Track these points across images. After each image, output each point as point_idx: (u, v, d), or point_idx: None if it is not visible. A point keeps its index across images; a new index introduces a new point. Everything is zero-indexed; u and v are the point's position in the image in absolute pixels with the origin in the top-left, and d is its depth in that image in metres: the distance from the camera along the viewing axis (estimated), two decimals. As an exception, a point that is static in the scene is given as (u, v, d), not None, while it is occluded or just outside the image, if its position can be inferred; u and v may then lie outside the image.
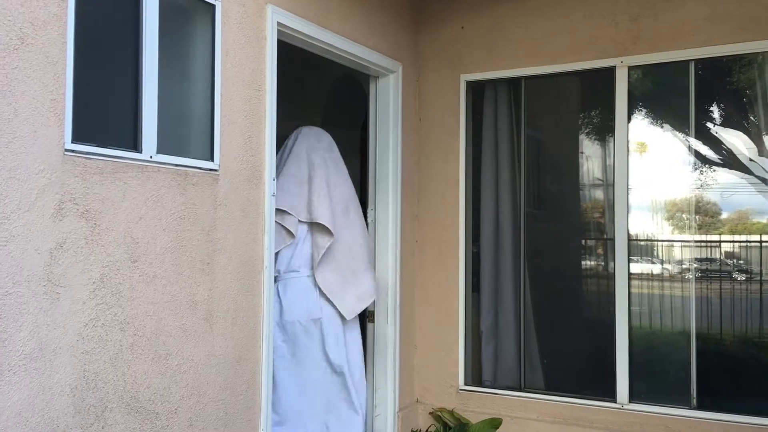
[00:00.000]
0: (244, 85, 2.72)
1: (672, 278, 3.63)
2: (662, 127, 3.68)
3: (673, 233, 3.67)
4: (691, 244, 3.56)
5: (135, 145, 2.27)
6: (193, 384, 2.45)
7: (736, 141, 3.51)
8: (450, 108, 3.98)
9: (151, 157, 2.30)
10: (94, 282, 2.09)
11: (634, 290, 3.58)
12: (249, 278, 2.74)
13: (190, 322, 2.45)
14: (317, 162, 3.35)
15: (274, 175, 2.86)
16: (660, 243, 3.71)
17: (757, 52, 3.29)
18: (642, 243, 3.71)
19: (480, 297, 3.99)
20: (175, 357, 2.38)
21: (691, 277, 3.50)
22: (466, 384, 3.89)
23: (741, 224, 3.55)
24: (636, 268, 3.65)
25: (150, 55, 2.31)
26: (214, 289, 2.55)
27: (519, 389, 3.78)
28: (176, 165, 2.40)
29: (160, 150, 2.34)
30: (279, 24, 2.89)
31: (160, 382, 2.32)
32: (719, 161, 3.57)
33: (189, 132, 2.52)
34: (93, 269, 2.09)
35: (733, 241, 3.61)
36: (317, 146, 3.40)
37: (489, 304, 3.97)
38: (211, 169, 2.55)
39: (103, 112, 2.20)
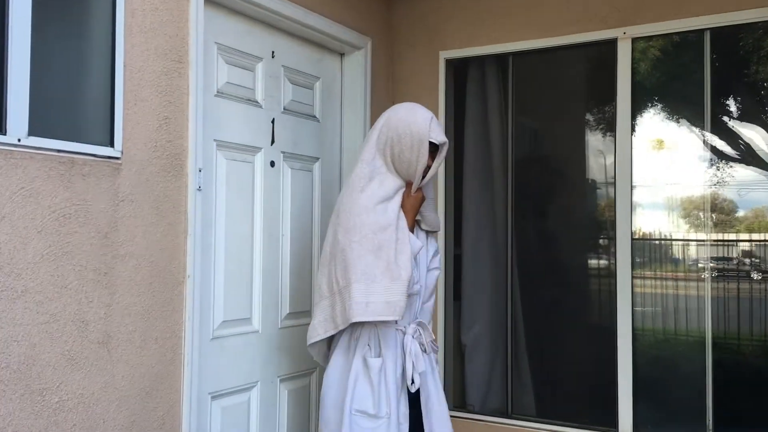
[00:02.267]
0: (159, 54, 2.23)
1: (683, 283, 3.11)
2: (672, 111, 3.15)
3: (684, 233, 3.15)
4: (706, 243, 3.04)
5: (-4, 125, 1.78)
6: (82, 424, 1.96)
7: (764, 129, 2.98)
8: (428, 90, 3.47)
9: (19, 140, 1.81)
10: (-73, 301, 1.61)
11: (639, 298, 3.07)
12: (166, 290, 2.24)
13: (78, 347, 1.96)
14: None
15: (200, 164, 2.36)
16: (669, 244, 3.19)
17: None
18: (648, 244, 3.20)
19: (462, 306, 3.48)
20: (55, 392, 1.89)
21: (705, 280, 2.98)
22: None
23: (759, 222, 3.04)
24: (641, 272, 3.13)
25: (19, 10, 1.82)
26: (114, 305, 2.06)
27: (506, 415, 3.27)
28: (58, 151, 1.91)
29: (34, 132, 1.85)
30: (207, -17, 2.40)
31: (34, 424, 1.84)
32: (738, 155, 3.04)
33: (78, 110, 2.02)
34: (-73, 284, 1.61)
35: (752, 241, 3.09)
36: None
37: (472, 315, 3.46)
38: (110, 157, 2.06)
39: (-53, 81, 1.72)
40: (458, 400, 3.45)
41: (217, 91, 2.59)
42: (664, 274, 3.17)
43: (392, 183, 2.32)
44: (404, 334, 2.31)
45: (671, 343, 3.12)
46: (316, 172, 3.13)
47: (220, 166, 2.60)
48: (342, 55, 3.32)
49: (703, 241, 3.05)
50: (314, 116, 3.14)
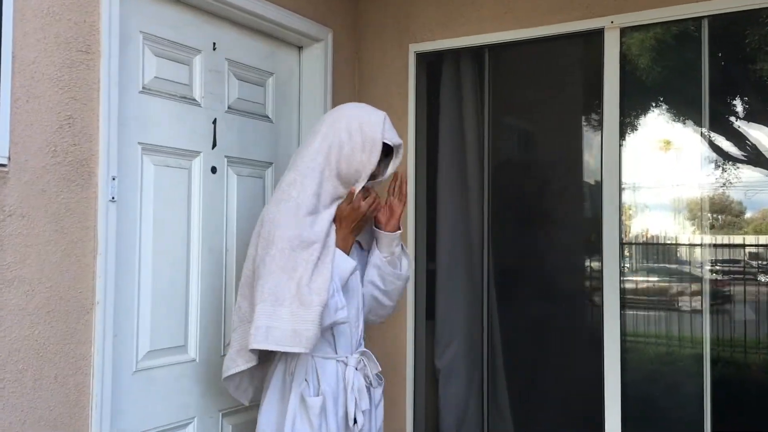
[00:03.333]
0: (60, 44, 1.91)
1: (678, 292, 2.79)
2: (666, 108, 2.83)
3: (678, 235, 2.82)
4: (702, 245, 2.70)
5: None
6: (-48, 485, 1.65)
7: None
8: (397, 87, 3.15)
9: None
10: None
11: (629, 306, 2.74)
12: (69, 320, 1.92)
13: (-54, 392, 1.64)
14: None
15: (114, 171, 2.04)
16: (660, 250, 2.86)
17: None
18: (638, 251, 2.87)
19: (436, 326, 3.15)
20: None
21: (702, 283, 2.64)
22: (416, 439, 3.06)
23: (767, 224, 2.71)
24: (631, 282, 2.80)
25: None
26: (-4, 340, 1.74)
27: (482, 446, 2.94)
28: None
29: None
30: (124, -37, 2.08)
31: None
32: (739, 155, 2.71)
33: (-50, 108, 1.71)
34: None
35: (754, 245, 2.75)
36: None
37: (447, 335, 3.12)
38: (-8, 164, 1.74)
39: None
40: (431, 429, 3.12)
41: (143, 87, 2.27)
42: (657, 279, 2.85)
43: (329, 191, 2.02)
44: (346, 365, 1.99)
45: (666, 357, 2.79)
46: (268, 178, 2.80)
47: (146, 174, 2.27)
48: (300, 48, 2.99)
49: (698, 244, 2.73)
50: (266, 116, 2.82)
